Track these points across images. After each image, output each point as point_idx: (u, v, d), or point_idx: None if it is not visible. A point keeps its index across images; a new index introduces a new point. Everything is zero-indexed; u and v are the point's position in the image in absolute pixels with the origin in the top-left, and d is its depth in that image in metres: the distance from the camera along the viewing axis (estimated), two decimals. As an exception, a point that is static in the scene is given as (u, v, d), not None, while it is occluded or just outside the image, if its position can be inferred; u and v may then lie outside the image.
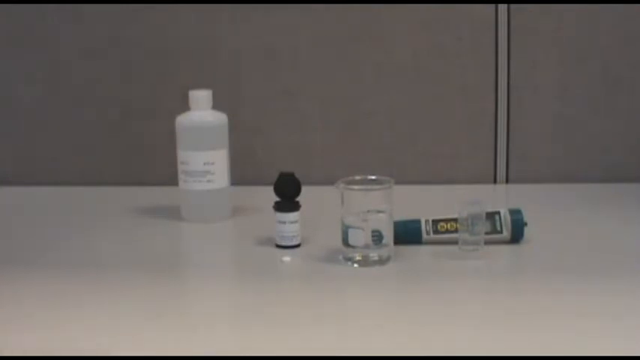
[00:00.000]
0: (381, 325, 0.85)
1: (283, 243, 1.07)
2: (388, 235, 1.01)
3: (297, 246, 1.07)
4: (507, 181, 1.42)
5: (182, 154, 1.20)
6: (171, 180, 1.23)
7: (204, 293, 0.96)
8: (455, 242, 1.03)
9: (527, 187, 1.39)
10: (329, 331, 0.83)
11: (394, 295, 0.94)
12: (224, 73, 1.42)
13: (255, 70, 1.43)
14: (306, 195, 1.08)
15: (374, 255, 1.01)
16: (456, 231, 1.04)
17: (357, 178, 1.02)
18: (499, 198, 1.39)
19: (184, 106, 1.21)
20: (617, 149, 1.40)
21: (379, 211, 1.00)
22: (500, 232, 1.06)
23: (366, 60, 1.41)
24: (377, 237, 1.00)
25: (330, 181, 1.04)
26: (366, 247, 1.00)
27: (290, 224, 1.07)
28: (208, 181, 1.19)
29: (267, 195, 1.07)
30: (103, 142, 1.47)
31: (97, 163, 1.47)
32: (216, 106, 1.22)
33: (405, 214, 1.06)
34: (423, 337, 0.81)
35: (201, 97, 1.21)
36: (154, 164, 1.44)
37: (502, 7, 1.37)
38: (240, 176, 1.29)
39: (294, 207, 1.07)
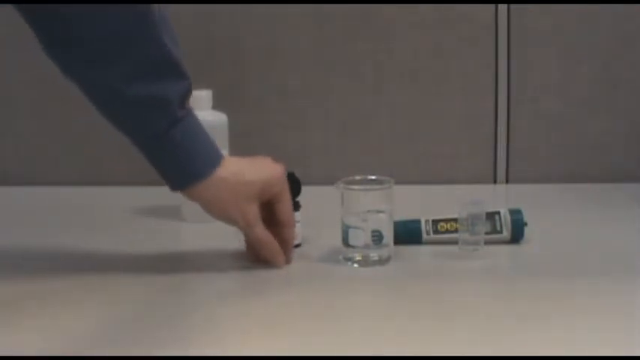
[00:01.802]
0: (381, 325, 0.85)
1: (283, 243, 1.07)
2: (388, 235, 1.01)
3: (298, 246, 1.07)
4: (507, 181, 1.42)
5: (182, 154, 1.20)
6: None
7: (204, 293, 0.96)
8: (455, 242, 1.03)
9: (527, 187, 1.39)
10: (329, 331, 0.83)
11: (394, 295, 0.94)
12: (224, 73, 1.42)
13: (255, 70, 1.43)
14: (306, 195, 1.08)
15: (374, 255, 1.01)
16: (456, 231, 1.04)
17: (357, 178, 1.02)
18: (499, 198, 1.39)
19: (184, 106, 1.21)
20: (617, 149, 1.40)
21: (379, 211, 1.00)
22: (500, 232, 1.06)
23: (366, 60, 1.41)
24: (377, 237, 1.00)
25: (330, 181, 1.04)
26: (366, 247, 1.00)
27: (290, 224, 1.07)
28: (208, 181, 1.19)
29: (267, 195, 1.07)
30: (103, 142, 1.47)
31: (97, 163, 1.47)
32: (216, 106, 1.22)
33: (405, 214, 1.06)
34: (423, 337, 0.81)
35: (201, 97, 1.21)
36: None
37: (502, 7, 1.37)
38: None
39: (294, 207, 1.07)
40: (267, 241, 0.99)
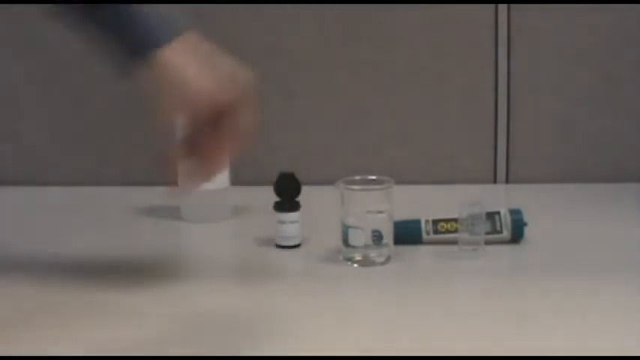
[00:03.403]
0: (381, 325, 0.85)
1: (283, 243, 1.07)
2: (388, 235, 1.01)
3: (297, 246, 1.07)
4: (507, 181, 1.42)
5: (182, 154, 1.20)
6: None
7: (204, 293, 0.96)
8: (455, 242, 1.03)
9: (527, 187, 1.39)
10: (329, 331, 0.83)
11: (394, 295, 0.94)
12: (224, 73, 1.42)
13: (254, 69, 1.43)
14: (306, 195, 1.08)
15: (374, 255, 1.01)
16: (456, 231, 1.04)
17: (357, 178, 1.02)
18: (499, 198, 1.39)
19: (184, 106, 1.21)
20: (617, 149, 1.40)
21: (379, 211, 1.00)
22: (500, 232, 1.06)
23: (366, 60, 1.41)
24: (377, 237, 1.00)
25: (330, 181, 1.04)
26: (366, 247, 1.00)
27: (290, 224, 1.07)
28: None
29: (267, 195, 1.07)
30: (103, 142, 1.47)
31: (97, 163, 1.47)
32: (216, 106, 1.22)
33: (405, 214, 1.06)
34: (422, 337, 0.81)
35: (201, 97, 1.20)
36: (153, 164, 1.44)
37: (502, 7, 1.37)
38: (240, 176, 1.29)
39: (294, 207, 1.07)
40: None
